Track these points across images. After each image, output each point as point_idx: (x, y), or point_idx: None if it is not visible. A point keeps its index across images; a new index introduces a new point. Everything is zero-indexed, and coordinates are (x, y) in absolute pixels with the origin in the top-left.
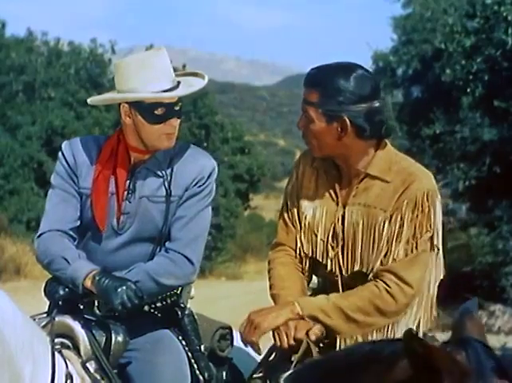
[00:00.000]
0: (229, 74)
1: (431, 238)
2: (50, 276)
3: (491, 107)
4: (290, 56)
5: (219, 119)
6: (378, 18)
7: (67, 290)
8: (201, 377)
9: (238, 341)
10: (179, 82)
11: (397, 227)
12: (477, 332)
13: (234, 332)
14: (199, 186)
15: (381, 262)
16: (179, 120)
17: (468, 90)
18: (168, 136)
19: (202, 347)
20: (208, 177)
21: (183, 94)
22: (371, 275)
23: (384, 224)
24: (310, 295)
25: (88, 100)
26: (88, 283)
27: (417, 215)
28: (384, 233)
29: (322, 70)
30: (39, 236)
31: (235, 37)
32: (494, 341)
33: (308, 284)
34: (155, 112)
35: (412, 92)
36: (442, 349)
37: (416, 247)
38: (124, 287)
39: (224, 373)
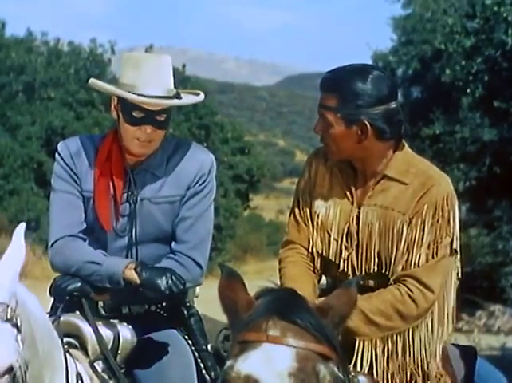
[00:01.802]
0: (228, 74)
1: (451, 242)
2: (50, 276)
3: (491, 107)
4: (290, 56)
5: (219, 119)
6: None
7: (79, 284)
8: (207, 377)
9: None
10: (178, 96)
11: (418, 231)
12: (343, 300)
13: None
14: (201, 184)
15: (402, 267)
16: (159, 131)
17: (468, 91)
18: (141, 144)
19: (209, 346)
20: (208, 173)
21: (162, 103)
22: (391, 280)
23: (402, 227)
24: (319, 296)
25: (90, 81)
26: (128, 275)
27: (438, 220)
28: (404, 236)
29: (338, 74)
30: (52, 245)
31: (235, 37)
32: (493, 341)
33: (317, 283)
34: (133, 113)
35: (412, 92)
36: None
37: (437, 252)
38: (168, 274)
39: None
